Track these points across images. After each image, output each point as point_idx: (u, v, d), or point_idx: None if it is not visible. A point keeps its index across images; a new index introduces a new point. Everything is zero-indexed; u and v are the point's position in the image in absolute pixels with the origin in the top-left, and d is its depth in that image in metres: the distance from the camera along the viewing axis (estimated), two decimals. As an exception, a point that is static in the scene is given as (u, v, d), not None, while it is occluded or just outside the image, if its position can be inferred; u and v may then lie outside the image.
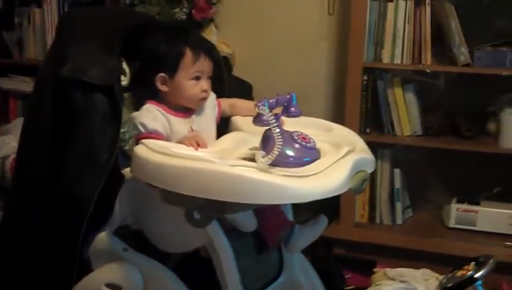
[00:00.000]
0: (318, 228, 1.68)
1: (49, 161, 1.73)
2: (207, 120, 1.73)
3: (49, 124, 1.73)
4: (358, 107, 2.52)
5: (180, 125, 1.65)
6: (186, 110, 1.68)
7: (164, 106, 1.65)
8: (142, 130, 1.59)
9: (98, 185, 1.61)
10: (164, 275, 1.61)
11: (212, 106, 1.75)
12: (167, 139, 1.60)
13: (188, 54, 1.62)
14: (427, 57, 2.45)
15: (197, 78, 1.64)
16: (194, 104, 1.68)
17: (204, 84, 1.65)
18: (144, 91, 1.71)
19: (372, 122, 2.57)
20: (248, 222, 1.58)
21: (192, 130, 1.66)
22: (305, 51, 2.84)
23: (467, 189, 2.61)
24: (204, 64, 1.64)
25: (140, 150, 1.48)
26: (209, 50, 1.68)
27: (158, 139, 1.56)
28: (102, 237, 1.65)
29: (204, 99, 1.68)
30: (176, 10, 2.60)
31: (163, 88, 1.65)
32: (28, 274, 1.76)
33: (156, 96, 1.67)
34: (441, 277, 2.17)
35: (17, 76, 3.23)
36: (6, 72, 3.25)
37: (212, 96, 1.74)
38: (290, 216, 1.76)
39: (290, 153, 1.40)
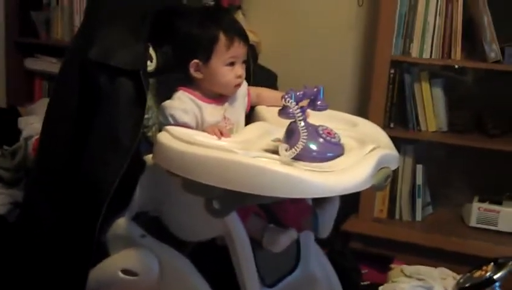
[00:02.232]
0: (335, 207, 1.65)
1: (73, 143, 1.73)
2: (239, 108, 1.71)
3: (75, 105, 1.73)
4: (384, 100, 2.49)
5: (213, 112, 1.63)
6: (219, 97, 1.65)
7: (197, 92, 1.63)
8: (172, 121, 1.57)
9: (120, 170, 1.60)
10: (180, 263, 1.61)
11: (243, 94, 1.72)
12: (197, 129, 1.58)
13: (222, 38, 1.59)
14: (457, 52, 2.41)
15: (232, 63, 1.61)
16: (228, 91, 1.65)
17: (239, 69, 1.62)
18: (174, 76, 1.70)
19: (396, 116, 2.54)
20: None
21: (225, 118, 1.65)
22: (332, 42, 2.81)
23: (490, 188, 2.57)
24: (239, 49, 1.61)
25: (163, 137, 1.47)
26: (243, 34, 1.64)
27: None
28: (121, 223, 1.65)
29: (239, 85, 1.65)
30: (204, -5, 2.58)
31: (197, 75, 1.62)
32: (46, 255, 1.77)
33: (189, 82, 1.64)
34: (458, 277, 2.15)
35: (43, 56, 3.22)
36: (33, 52, 3.24)
37: (245, 84, 1.71)
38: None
39: (313, 147, 1.38)
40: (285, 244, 1.57)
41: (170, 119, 1.57)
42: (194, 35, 1.61)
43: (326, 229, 1.65)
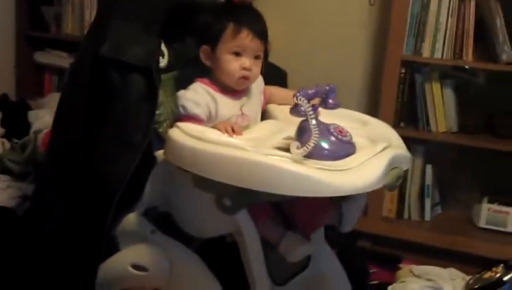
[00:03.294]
0: (363, 200, 1.61)
1: (84, 138, 1.72)
2: (256, 105, 1.70)
3: (86, 101, 1.72)
4: (394, 100, 2.48)
5: (229, 105, 1.62)
6: (235, 91, 1.65)
7: (213, 84, 1.62)
8: (182, 112, 1.57)
9: (131, 165, 1.59)
10: (190, 259, 1.61)
11: (261, 91, 1.72)
12: (210, 121, 1.58)
13: (230, 26, 1.59)
14: (469, 53, 2.41)
15: (237, 53, 1.60)
16: (233, 83, 1.62)
17: (246, 61, 1.60)
18: (193, 71, 1.70)
19: (407, 116, 2.54)
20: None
21: (243, 114, 1.64)
22: (343, 41, 2.80)
23: (499, 189, 2.57)
24: (247, 41, 1.59)
25: (175, 133, 1.47)
26: (258, 29, 1.61)
27: (196, 123, 1.54)
28: (131, 218, 1.65)
29: (245, 78, 1.61)
30: (217, -9, 2.57)
31: (207, 63, 1.63)
32: (55, 249, 1.77)
33: (207, 75, 1.65)
34: (467, 278, 2.15)
35: (53, 50, 3.24)
36: (43, 46, 3.26)
37: (261, 81, 1.71)
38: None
39: (325, 145, 1.38)
40: (302, 255, 1.56)
41: (181, 109, 1.57)
42: (206, 22, 1.63)
43: (349, 223, 1.61)
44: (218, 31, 1.60)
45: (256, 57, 1.62)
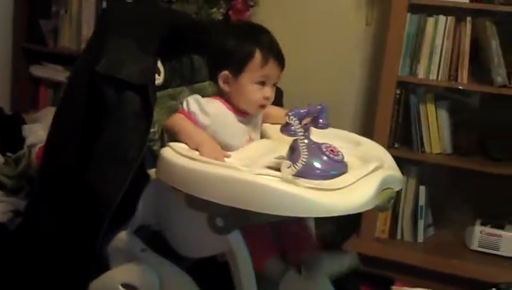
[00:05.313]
0: (347, 262, 1.60)
1: (78, 154, 1.72)
2: (258, 130, 1.71)
3: (81, 116, 1.72)
4: (389, 120, 2.48)
5: (238, 128, 1.63)
6: (246, 113, 1.65)
7: (228, 104, 1.63)
8: (185, 107, 1.58)
9: (124, 183, 1.58)
10: (181, 279, 1.60)
11: (261, 115, 1.73)
12: (214, 136, 1.58)
13: (258, 56, 1.57)
14: (464, 75, 2.41)
15: (262, 83, 1.60)
16: (252, 110, 1.63)
17: (268, 90, 1.60)
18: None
19: (401, 137, 2.53)
20: None
21: (248, 140, 1.64)
22: (339, 60, 2.81)
23: (492, 212, 2.56)
24: (273, 70, 1.59)
25: (167, 152, 1.46)
26: (280, 55, 1.61)
27: (190, 119, 1.56)
28: (122, 236, 1.64)
29: (263, 107, 1.63)
30: (213, 10, 2.58)
31: (225, 87, 1.62)
32: (45, 266, 1.76)
33: (220, 94, 1.65)
34: (459, 301, 2.14)
35: (49, 64, 3.23)
36: (40, 60, 3.25)
37: None
38: (312, 226, 1.73)
39: (317, 165, 1.38)
40: None
41: (184, 104, 1.59)
42: (229, 46, 1.60)
43: (319, 273, 1.58)
44: (244, 59, 1.58)
45: (274, 84, 1.63)
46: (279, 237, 1.62)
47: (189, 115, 1.58)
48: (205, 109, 1.58)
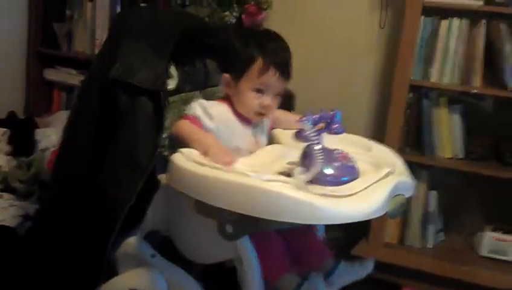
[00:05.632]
0: (364, 270, 1.64)
1: (91, 159, 1.72)
2: (266, 131, 1.71)
3: (95, 121, 1.72)
4: (401, 124, 2.46)
5: (244, 131, 1.63)
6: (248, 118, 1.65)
7: (233, 108, 1.63)
8: (190, 112, 1.58)
9: (135, 189, 1.58)
10: (189, 285, 1.60)
11: (269, 119, 1.72)
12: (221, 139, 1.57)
13: (259, 62, 1.56)
14: (477, 79, 2.39)
15: (260, 91, 1.58)
16: (250, 116, 1.63)
17: (267, 99, 1.59)
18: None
19: (413, 141, 2.52)
20: None
21: (256, 142, 1.64)
22: (352, 63, 2.80)
23: (503, 217, 2.54)
24: (272, 80, 1.57)
25: (177, 158, 1.45)
26: (285, 66, 1.59)
27: (196, 124, 1.56)
28: (132, 241, 1.64)
29: (262, 115, 1.62)
30: (226, 13, 2.58)
31: (227, 90, 1.63)
32: (54, 271, 1.76)
33: (227, 97, 1.65)
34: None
35: (63, 68, 3.23)
36: (53, 64, 3.26)
37: None
38: (321, 232, 1.73)
39: (329, 171, 1.37)
40: None
41: (188, 109, 1.59)
42: (234, 50, 1.60)
43: (338, 283, 1.62)
44: (245, 64, 1.57)
45: (277, 94, 1.61)
46: (292, 248, 1.61)
47: (195, 120, 1.58)
48: (209, 112, 1.58)
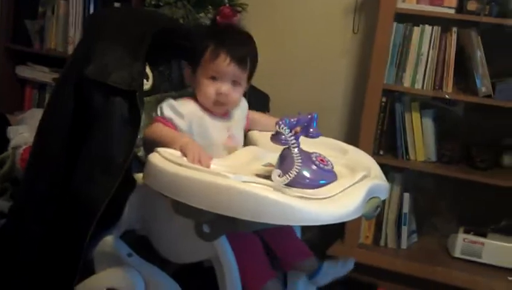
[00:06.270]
0: (345, 269, 1.68)
1: (65, 158, 1.71)
2: (241, 129, 1.71)
3: (68, 121, 1.71)
4: (374, 128, 2.50)
5: (216, 125, 1.64)
6: (222, 113, 1.67)
7: (200, 103, 1.64)
8: (159, 113, 1.60)
9: (111, 188, 1.57)
10: (166, 284, 1.60)
11: (245, 116, 1.73)
12: (195, 137, 1.58)
13: (210, 50, 1.60)
14: (449, 85, 2.44)
15: (214, 78, 1.61)
16: (209, 106, 1.64)
17: (221, 86, 1.61)
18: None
19: (386, 144, 2.56)
20: None
21: (230, 137, 1.65)
22: (325, 67, 2.83)
23: (475, 220, 2.58)
24: (224, 66, 1.59)
25: (154, 158, 1.45)
26: (238, 54, 1.61)
27: (168, 126, 1.57)
28: (108, 240, 1.63)
29: (220, 103, 1.63)
30: (200, 15, 2.58)
31: (191, 84, 1.65)
32: (29, 269, 1.75)
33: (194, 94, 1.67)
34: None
35: (35, 65, 3.21)
36: (25, 61, 3.23)
37: (245, 107, 1.73)
38: (298, 233, 1.75)
39: (306, 174, 1.39)
40: None
41: (158, 111, 1.60)
42: (192, 42, 1.65)
43: (322, 281, 1.66)
44: (199, 54, 1.61)
45: (235, 83, 1.62)
46: (272, 249, 1.63)
47: (166, 121, 1.59)
48: (179, 111, 1.59)
